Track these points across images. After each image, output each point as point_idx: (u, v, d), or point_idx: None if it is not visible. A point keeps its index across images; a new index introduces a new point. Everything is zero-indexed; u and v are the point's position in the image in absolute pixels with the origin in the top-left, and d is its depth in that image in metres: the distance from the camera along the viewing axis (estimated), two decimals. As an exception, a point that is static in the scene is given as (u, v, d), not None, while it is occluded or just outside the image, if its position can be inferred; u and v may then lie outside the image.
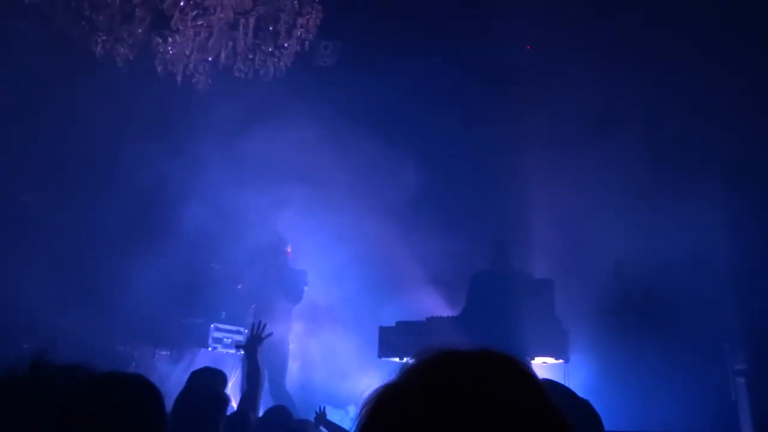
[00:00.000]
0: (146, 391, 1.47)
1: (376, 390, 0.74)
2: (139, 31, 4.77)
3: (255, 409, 3.60)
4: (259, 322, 4.16)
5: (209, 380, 3.50)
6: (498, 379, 0.71)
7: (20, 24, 5.38)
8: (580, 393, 1.79)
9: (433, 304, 6.67)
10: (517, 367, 0.74)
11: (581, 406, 1.59)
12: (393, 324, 5.98)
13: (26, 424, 1.50)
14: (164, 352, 7.06)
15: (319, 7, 5.11)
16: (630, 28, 6.56)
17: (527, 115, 6.96)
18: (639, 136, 6.56)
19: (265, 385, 5.91)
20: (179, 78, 5.01)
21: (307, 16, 5.02)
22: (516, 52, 7.37)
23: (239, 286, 6.32)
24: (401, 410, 0.70)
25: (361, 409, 0.73)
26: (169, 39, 4.74)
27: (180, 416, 2.37)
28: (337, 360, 6.87)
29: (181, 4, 4.61)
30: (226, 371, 7.10)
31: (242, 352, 4.29)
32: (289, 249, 6.31)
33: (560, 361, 5.66)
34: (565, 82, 6.87)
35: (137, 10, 4.63)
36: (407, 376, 0.74)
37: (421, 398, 0.70)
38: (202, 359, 7.22)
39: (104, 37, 4.75)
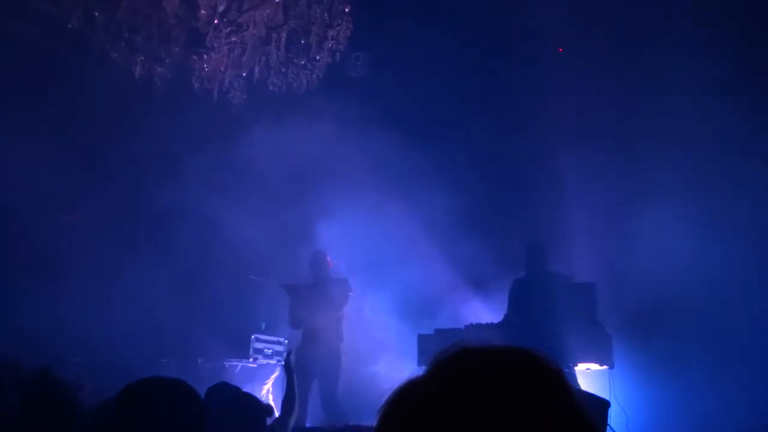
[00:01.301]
0: (186, 393, 1.50)
1: (398, 386, 0.74)
2: (176, 50, 4.90)
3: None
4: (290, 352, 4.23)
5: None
6: (521, 377, 0.71)
7: (62, 49, 5.58)
8: (625, 401, 1.75)
9: (472, 311, 6.61)
10: (542, 366, 0.73)
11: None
12: (432, 332, 5.94)
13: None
14: (207, 364, 7.17)
15: (349, 18, 5.16)
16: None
17: (562, 115, 6.87)
18: (682, 136, 6.39)
19: (315, 398, 5.93)
20: (215, 94, 5.12)
21: (338, 28, 5.08)
22: (550, 54, 7.30)
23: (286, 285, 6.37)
24: (414, 405, 0.71)
25: (383, 404, 0.74)
26: (205, 56, 4.86)
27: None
28: (376, 369, 6.87)
29: (215, 21, 4.72)
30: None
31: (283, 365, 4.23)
32: (329, 260, 6.36)
33: (604, 367, 5.52)
34: (599, 82, 6.77)
35: (173, 29, 4.76)
36: (428, 372, 0.74)
37: (438, 394, 0.70)
38: (243, 370, 7.32)
39: (142, 58, 4.89)
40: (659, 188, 6.41)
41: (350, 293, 6.16)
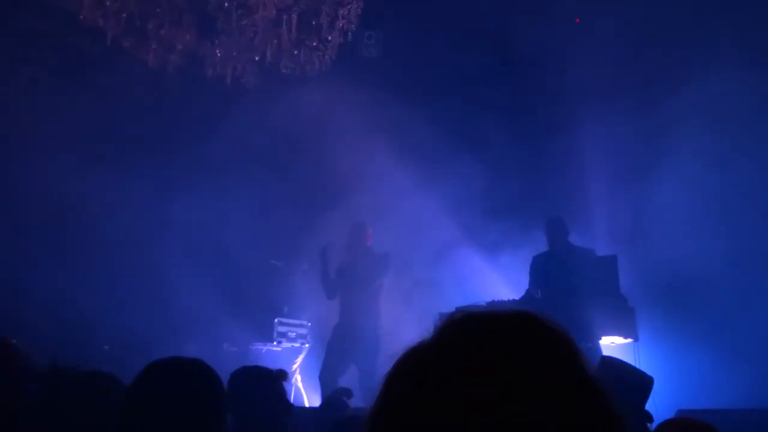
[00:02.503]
0: (205, 372, 1.51)
1: (405, 353, 0.74)
2: (187, 36, 4.89)
3: None
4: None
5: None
6: (535, 341, 0.70)
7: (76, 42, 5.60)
8: (651, 372, 1.72)
9: (494, 288, 6.59)
10: (555, 331, 0.72)
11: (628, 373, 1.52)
12: (453, 309, 5.94)
13: (98, 405, 1.72)
14: (233, 349, 7.26)
15: (360, -3, 5.10)
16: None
17: (583, 85, 6.74)
18: (707, 108, 6.23)
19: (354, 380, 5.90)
20: (229, 79, 5.12)
21: (348, 6, 5.02)
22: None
23: (305, 267, 6.39)
24: (419, 365, 0.70)
25: (389, 372, 0.73)
26: (216, 41, 4.84)
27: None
28: (398, 345, 6.88)
29: (225, 5, 4.69)
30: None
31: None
32: (369, 233, 6.31)
33: (629, 340, 5.47)
34: (620, 51, 6.61)
35: (184, 15, 4.75)
36: (432, 335, 0.74)
37: (443, 353, 0.70)
38: (268, 353, 7.41)
39: (155, 46, 4.89)
40: (684, 160, 6.27)
41: (389, 267, 6.11)
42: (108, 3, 4.64)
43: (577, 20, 7.39)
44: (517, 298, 5.79)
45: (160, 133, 6.86)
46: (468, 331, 0.71)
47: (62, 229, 6.37)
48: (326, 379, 5.84)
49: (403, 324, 6.66)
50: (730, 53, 6.10)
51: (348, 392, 3.97)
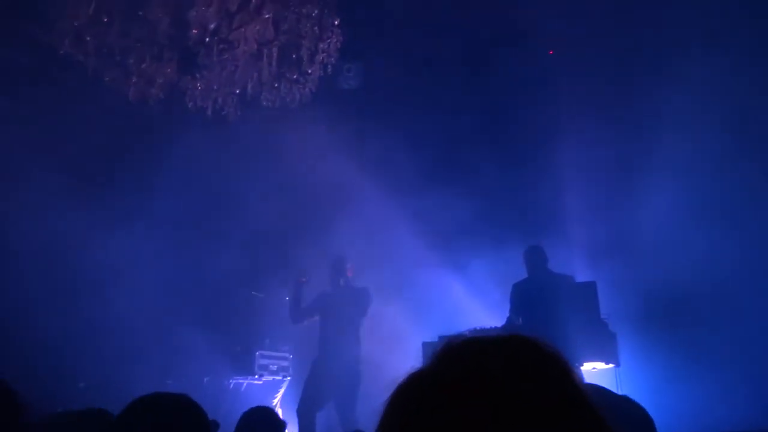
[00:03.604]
0: (189, 407, 1.51)
1: (402, 380, 0.76)
2: (168, 70, 4.93)
3: None
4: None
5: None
6: (526, 364, 0.73)
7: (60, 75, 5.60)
8: (633, 398, 1.74)
9: (475, 317, 6.61)
10: (545, 351, 0.75)
11: (629, 408, 1.55)
12: (436, 338, 5.94)
13: None
14: (213, 383, 7.14)
15: (339, 31, 5.20)
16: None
17: (556, 111, 6.90)
18: (686, 123, 6.37)
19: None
20: (209, 111, 5.15)
21: (328, 41, 5.12)
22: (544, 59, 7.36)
23: (303, 279, 6.34)
24: (419, 390, 0.72)
25: (388, 398, 0.75)
26: (197, 75, 4.89)
27: None
28: (382, 375, 6.83)
29: (207, 40, 4.75)
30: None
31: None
32: (350, 267, 6.31)
33: (610, 365, 5.51)
34: (600, 82, 6.78)
35: (165, 50, 4.79)
36: (432, 360, 0.76)
37: (442, 378, 0.72)
38: (249, 387, 7.30)
39: (135, 79, 4.92)
40: (662, 182, 6.38)
41: (368, 302, 6.10)
42: (88, 38, 4.67)
43: (551, 52, 7.61)
44: (498, 325, 5.82)
45: (134, 166, 6.84)
46: (464, 357, 0.74)
47: (33, 266, 6.24)
48: (303, 412, 5.76)
49: (384, 355, 6.63)
50: (705, 69, 6.27)
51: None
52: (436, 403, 0.70)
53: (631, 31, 6.77)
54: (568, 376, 0.73)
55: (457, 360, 0.74)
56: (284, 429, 2.84)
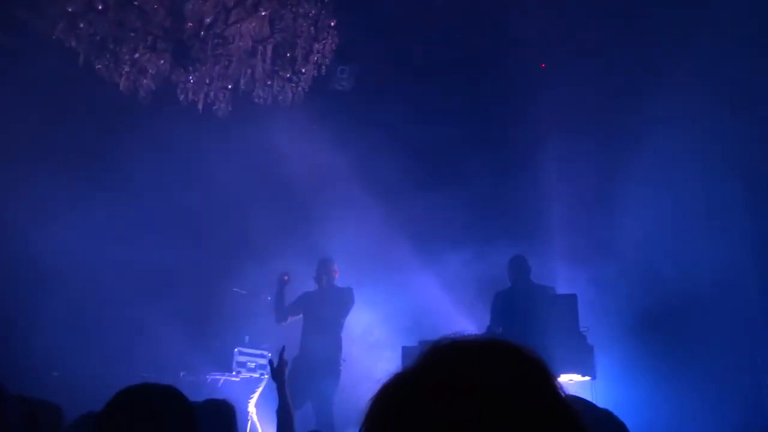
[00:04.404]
0: (176, 396, 1.51)
1: (386, 381, 0.76)
2: (161, 62, 4.90)
3: None
4: (283, 348, 3.47)
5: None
6: (506, 362, 0.74)
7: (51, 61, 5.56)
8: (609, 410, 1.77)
9: (455, 324, 6.63)
10: (528, 357, 0.76)
11: (604, 417, 1.57)
12: (416, 344, 5.96)
13: None
14: (189, 378, 7.09)
15: (335, 33, 5.21)
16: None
17: (543, 122, 6.97)
18: (664, 146, 6.47)
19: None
20: (200, 106, 5.12)
21: (324, 42, 5.12)
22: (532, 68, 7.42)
23: (286, 277, 6.33)
24: (402, 392, 0.73)
25: (371, 399, 0.75)
26: (190, 68, 4.87)
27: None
28: (359, 381, 6.84)
29: (202, 34, 4.74)
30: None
31: (271, 378, 3.49)
32: (336, 269, 6.31)
33: (587, 378, 5.57)
34: (585, 89, 6.86)
35: (159, 41, 4.77)
36: (416, 362, 0.76)
37: (426, 380, 0.72)
38: (226, 384, 7.25)
39: (128, 69, 4.88)
40: (645, 198, 6.46)
41: (352, 304, 6.11)
42: (82, 25, 4.63)
43: (543, 65, 7.68)
44: (478, 333, 5.84)
45: (114, 160, 6.79)
46: (450, 359, 0.74)
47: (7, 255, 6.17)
48: None
49: (364, 359, 6.64)
50: (688, 87, 6.37)
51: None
52: (421, 404, 0.70)
53: (618, 46, 6.86)
54: (552, 383, 0.74)
55: (442, 362, 0.74)
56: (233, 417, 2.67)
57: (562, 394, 0.74)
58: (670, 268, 6.22)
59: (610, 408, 1.66)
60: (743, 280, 6.04)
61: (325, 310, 5.95)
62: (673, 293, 6.13)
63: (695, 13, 6.26)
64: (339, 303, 6.05)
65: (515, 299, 5.72)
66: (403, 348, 6.13)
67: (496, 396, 0.69)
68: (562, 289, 6.09)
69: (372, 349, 6.84)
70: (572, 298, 5.77)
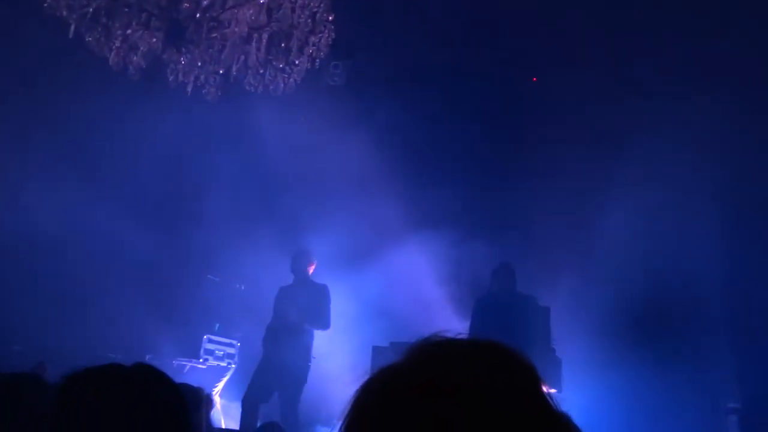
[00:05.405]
0: (150, 374, 1.42)
1: (370, 376, 0.75)
2: (154, 40, 4.83)
3: None
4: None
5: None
6: (491, 361, 0.72)
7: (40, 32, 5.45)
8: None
9: (429, 325, 6.63)
10: (517, 358, 0.75)
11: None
12: (387, 344, 5.95)
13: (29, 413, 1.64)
14: (155, 362, 7.00)
15: (332, 27, 5.18)
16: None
17: (535, 131, 7.03)
18: (644, 159, 6.55)
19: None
20: (189, 89, 5.06)
21: (320, 35, 5.09)
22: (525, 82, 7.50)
23: (241, 287, 6.24)
24: (387, 387, 0.72)
25: (354, 395, 0.74)
26: (183, 49, 4.80)
27: None
28: (328, 379, 6.82)
29: (197, 16, 4.68)
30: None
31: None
32: (312, 262, 6.19)
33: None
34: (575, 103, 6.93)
35: (153, 19, 4.70)
36: (402, 358, 0.75)
37: (412, 376, 0.71)
38: (192, 371, 7.18)
39: (118, 44, 4.80)
40: (633, 205, 6.50)
41: (328, 301, 5.99)
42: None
43: (534, 79, 7.75)
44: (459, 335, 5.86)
45: (91, 142, 6.67)
46: (436, 357, 0.73)
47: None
48: (248, 402, 5.69)
49: (333, 356, 6.61)
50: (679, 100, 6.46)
51: (277, 427, 3.83)
52: (405, 401, 0.68)
53: (609, 58, 6.95)
54: (540, 387, 0.73)
55: (429, 359, 0.73)
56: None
57: (550, 400, 0.73)
58: (644, 276, 6.31)
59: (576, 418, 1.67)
60: (719, 289, 6.14)
61: (296, 310, 5.81)
62: (649, 302, 6.22)
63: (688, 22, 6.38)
64: (313, 299, 5.93)
65: (496, 306, 5.71)
66: (374, 348, 6.12)
67: (483, 396, 0.68)
68: (542, 298, 6.11)
69: (342, 348, 6.82)
70: (546, 310, 5.82)
